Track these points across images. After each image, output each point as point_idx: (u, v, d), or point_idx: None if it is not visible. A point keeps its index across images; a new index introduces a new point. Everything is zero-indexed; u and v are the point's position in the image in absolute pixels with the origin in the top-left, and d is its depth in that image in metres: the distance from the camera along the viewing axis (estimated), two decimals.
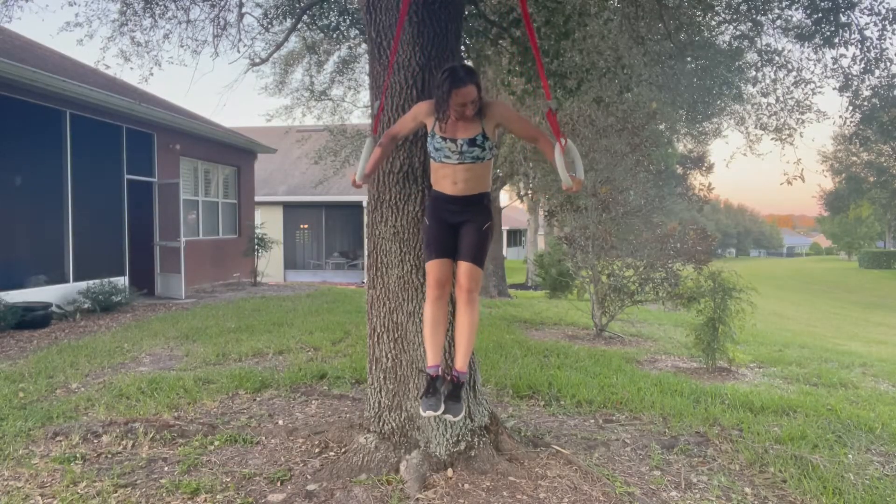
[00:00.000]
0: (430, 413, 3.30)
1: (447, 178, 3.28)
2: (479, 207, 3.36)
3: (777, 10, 6.69)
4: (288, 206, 22.90)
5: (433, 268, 3.36)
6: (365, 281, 4.23)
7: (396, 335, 3.82)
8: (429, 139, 3.29)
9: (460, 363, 3.40)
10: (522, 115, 3.50)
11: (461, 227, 3.36)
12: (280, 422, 4.72)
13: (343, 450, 3.96)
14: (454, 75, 3.09)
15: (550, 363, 6.88)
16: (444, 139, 3.18)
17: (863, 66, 6.18)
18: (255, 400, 5.30)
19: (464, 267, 3.33)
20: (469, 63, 12.54)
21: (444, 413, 3.33)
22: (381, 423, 3.83)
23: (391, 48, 3.70)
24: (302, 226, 23.59)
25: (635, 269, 9.44)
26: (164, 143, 13.00)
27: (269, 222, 21.73)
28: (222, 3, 7.46)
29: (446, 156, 3.22)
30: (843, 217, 58.24)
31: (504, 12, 5.63)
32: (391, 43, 3.82)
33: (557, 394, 5.59)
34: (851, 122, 7.07)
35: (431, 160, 3.36)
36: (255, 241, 16.02)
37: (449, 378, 3.43)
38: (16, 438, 4.20)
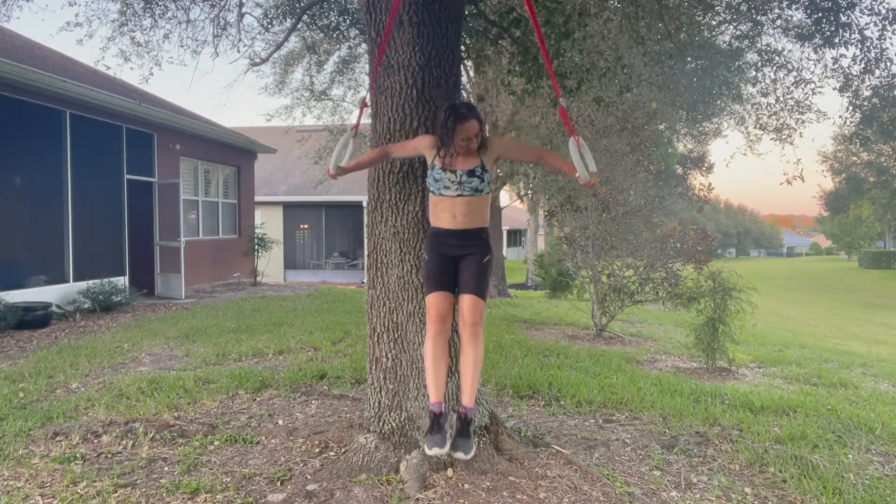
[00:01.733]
0: (436, 451, 3.26)
1: (446, 212, 3.26)
2: (479, 241, 3.32)
3: (777, 10, 6.69)
4: (288, 206, 22.89)
5: (434, 301, 3.31)
6: (365, 281, 4.23)
7: (396, 335, 3.82)
8: (428, 172, 3.29)
9: (467, 399, 3.34)
10: (521, 143, 3.47)
11: (461, 261, 3.32)
12: (280, 422, 4.71)
13: (343, 450, 3.96)
14: (457, 112, 3.20)
15: (550, 363, 6.88)
16: (444, 170, 3.19)
17: (863, 65, 6.18)
18: (255, 400, 5.30)
19: (466, 300, 3.28)
20: (469, 63, 12.56)
21: (453, 451, 3.28)
22: (381, 423, 3.83)
23: (379, 48, 3.74)
24: (302, 226, 23.60)
25: (635, 269, 9.44)
26: (165, 142, 13.00)
27: (269, 222, 21.73)
28: (222, 3, 7.46)
29: (445, 186, 3.19)
30: (843, 217, 58.24)
31: (504, 12, 5.62)
32: (392, 43, 3.82)
33: (557, 394, 5.59)
34: (851, 122, 7.07)
35: (430, 194, 3.34)
36: (255, 241, 16.01)
37: (456, 414, 3.38)
38: (16, 438, 4.20)
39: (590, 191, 3.56)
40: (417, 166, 3.74)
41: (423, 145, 3.40)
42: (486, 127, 16.66)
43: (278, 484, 3.56)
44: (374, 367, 3.91)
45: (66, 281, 10.31)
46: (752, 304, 7.45)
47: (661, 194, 11.11)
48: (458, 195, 3.19)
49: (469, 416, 3.34)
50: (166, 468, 3.78)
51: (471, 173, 3.16)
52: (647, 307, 11.93)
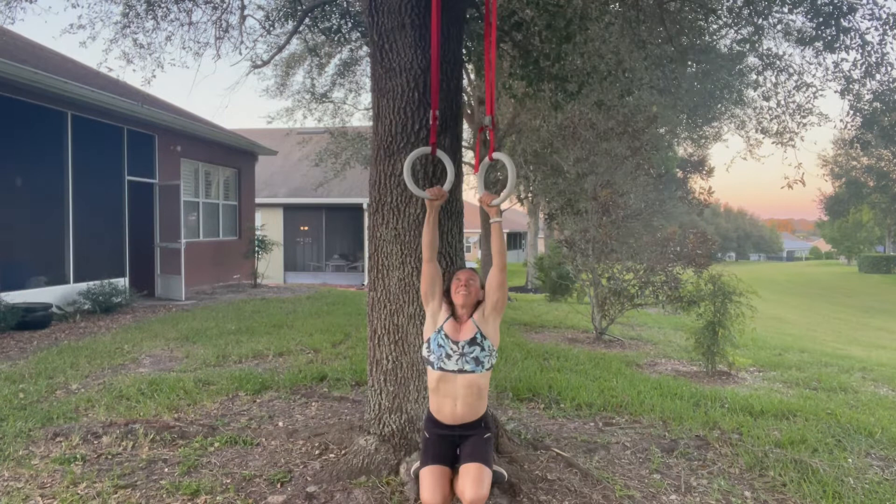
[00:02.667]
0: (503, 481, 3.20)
1: (447, 398, 3.05)
2: (479, 430, 3.09)
3: (778, 15, 6.70)
4: (288, 208, 22.89)
5: (425, 477, 2.99)
6: (366, 283, 4.22)
7: (397, 337, 3.82)
8: (433, 336, 3.12)
9: None
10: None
11: (461, 444, 3.09)
12: (280, 423, 4.72)
13: (343, 452, 3.96)
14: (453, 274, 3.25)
15: (550, 366, 6.88)
16: (448, 338, 3.08)
17: (864, 70, 6.19)
18: (255, 401, 5.30)
19: (470, 469, 2.92)
20: (470, 66, 12.56)
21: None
22: (381, 425, 3.83)
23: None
24: (302, 228, 23.59)
25: (635, 273, 9.44)
26: (166, 144, 13.01)
27: (269, 224, 21.73)
28: (224, 6, 7.47)
29: (447, 355, 3.04)
30: (843, 221, 58.29)
31: (505, 16, 5.63)
32: (393, 46, 3.83)
33: (557, 397, 5.59)
34: (852, 125, 7.07)
35: (429, 369, 3.11)
36: (256, 242, 16.01)
37: None
38: (16, 439, 4.20)
39: (486, 208, 3.39)
40: (419, 168, 3.75)
41: (441, 297, 3.25)
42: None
43: (278, 485, 3.56)
44: (374, 370, 3.92)
45: (67, 282, 10.32)
46: (752, 307, 7.45)
47: (661, 198, 11.14)
48: (460, 370, 3.03)
49: None
50: (166, 469, 3.78)
51: (472, 342, 3.05)
52: (647, 311, 11.94)
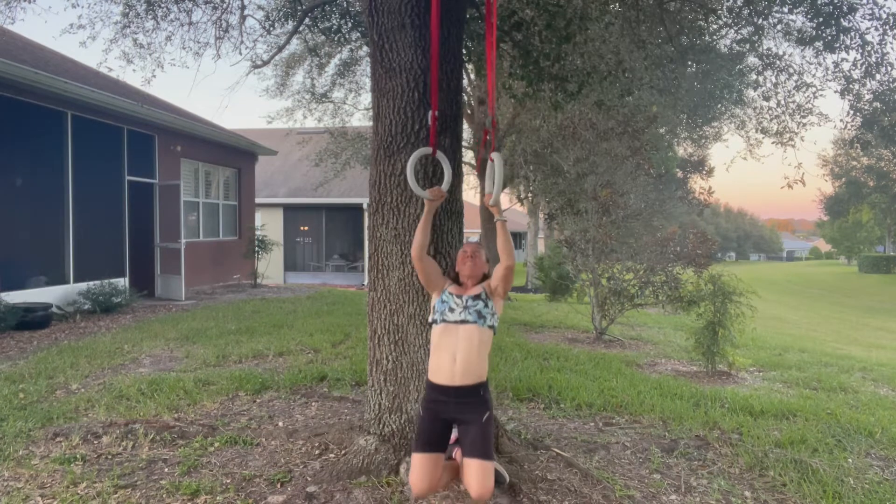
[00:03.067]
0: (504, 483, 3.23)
1: (447, 352, 3.06)
2: (477, 400, 3.08)
3: (778, 15, 6.70)
4: (288, 208, 22.89)
5: (416, 464, 3.01)
6: (366, 283, 4.23)
7: (397, 337, 3.82)
8: (438, 299, 3.20)
9: None
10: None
11: (459, 426, 3.11)
12: (280, 423, 4.72)
13: (343, 452, 3.96)
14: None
15: (550, 366, 6.88)
16: (452, 295, 3.17)
17: (864, 70, 6.19)
18: (255, 401, 5.30)
19: (473, 467, 2.95)
20: (470, 66, 12.56)
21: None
22: (381, 426, 3.83)
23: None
24: (302, 228, 23.59)
25: (635, 273, 9.44)
26: (166, 144, 13.01)
27: (269, 224, 21.73)
28: (224, 6, 7.47)
29: (450, 308, 3.12)
30: (842, 221, 58.30)
31: (505, 16, 5.63)
32: (393, 45, 3.83)
33: (557, 397, 5.59)
34: (852, 125, 7.07)
35: (433, 329, 3.17)
36: (256, 242, 16.02)
37: None
38: (16, 439, 4.20)
39: (491, 209, 3.44)
40: (419, 168, 3.75)
41: (444, 278, 3.34)
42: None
43: (278, 485, 3.56)
44: (374, 370, 3.92)
45: (67, 282, 10.32)
46: (752, 307, 7.45)
47: (661, 198, 11.13)
48: (462, 321, 3.08)
49: None
50: (166, 469, 3.78)
51: (476, 297, 3.14)
52: (647, 311, 11.94)
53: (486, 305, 3.14)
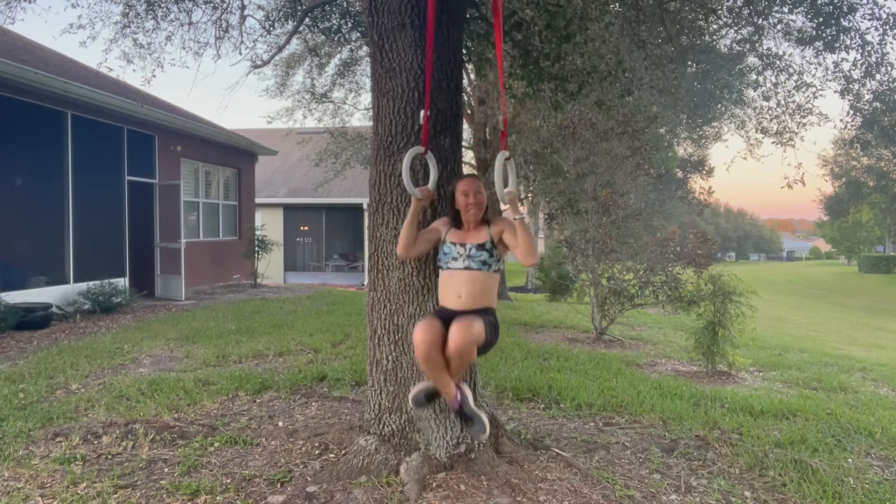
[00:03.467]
0: (483, 436, 3.31)
1: (452, 290, 3.17)
2: (482, 312, 3.20)
3: (778, 15, 6.70)
4: (288, 208, 22.90)
5: (419, 324, 3.14)
6: (366, 283, 4.24)
7: (397, 337, 3.82)
8: (440, 247, 3.28)
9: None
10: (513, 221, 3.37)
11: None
12: (280, 423, 4.72)
13: (343, 452, 3.96)
14: (455, 179, 3.42)
15: (550, 366, 6.88)
16: (454, 244, 3.20)
17: (864, 70, 6.19)
18: (255, 401, 5.30)
19: (458, 322, 3.03)
20: (470, 66, 12.56)
21: (470, 434, 3.35)
22: (381, 425, 3.83)
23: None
24: (302, 228, 23.59)
25: (635, 273, 9.44)
26: (166, 144, 13.02)
27: (269, 224, 21.73)
28: (224, 6, 7.47)
29: (453, 258, 3.17)
30: (842, 221, 58.31)
31: (505, 16, 5.63)
32: (393, 45, 3.83)
33: (557, 397, 5.59)
34: (852, 125, 7.06)
35: (439, 269, 3.31)
36: (256, 242, 16.03)
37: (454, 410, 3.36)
38: (16, 439, 4.20)
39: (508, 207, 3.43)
40: (419, 169, 3.75)
41: (439, 223, 3.44)
42: (487, 130, 16.55)
43: (278, 485, 3.56)
44: (374, 370, 3.92)
45: (67, 282, 10.32)
46: (752, 307, 7.45)
47: (661, 198, 11.13)
48: (466, 268, 3.13)
49: (461, 402, 3.27)
50: (166, 469, 3.78)
51: (480, 246, 3.16)
52: (647, 311, 11.94)
53: (492, 255, 3.19)
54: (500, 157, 3.36)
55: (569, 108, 8.25)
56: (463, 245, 3.16)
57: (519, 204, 3.35)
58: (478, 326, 3.03)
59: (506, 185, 3.29)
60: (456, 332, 2.98)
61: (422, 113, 3.63)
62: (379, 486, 3.49)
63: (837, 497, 3.61)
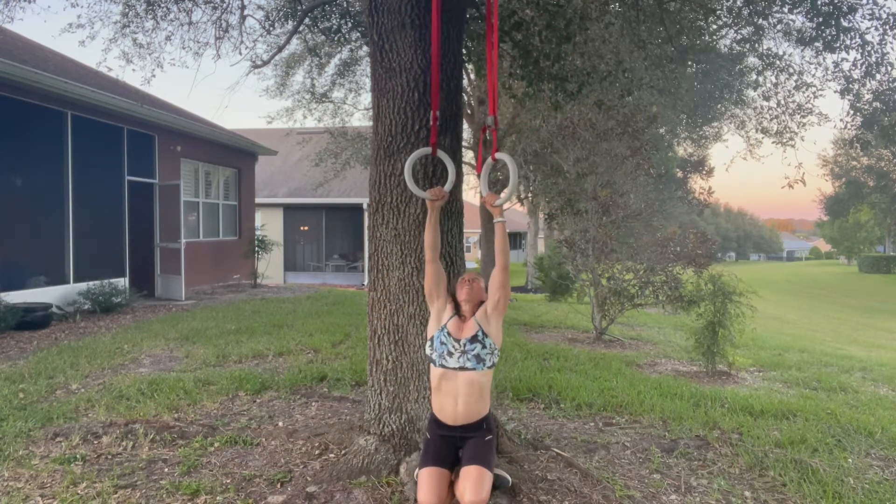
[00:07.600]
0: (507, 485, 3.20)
1: (449, 396, 3.05)
2: (481, 430, 3.09)
3: (778, 15, 6.70)
4: (288, 208, 22.89)
5: (423, 478, 2.98)
6: (366, 283, 4.23)
7: (397, 337, 3.82)
8: (436, 334, 3.15)
9: None
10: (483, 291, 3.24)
11: (462, 446, 3.09)
12: (280, 423, 4.72)
13: (343, 452, 3.96)
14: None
15: (550, 366, 6.88)
16: (450, 335, 3.10)
17: (864, 70, 6.19)
18: (255, 402, 5.30)
19: (470, 472, 2.90)
20: (470, 66, 12.56)
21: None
22: (381, 426, 3.83)
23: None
24: (302, 228, 23.59)
25: (635, 273, 9.44)
26: (165, 144, 13.01)
27: (269, 224, 21.73)
28: (224, 6, 7.47)
29: (448, 353, 3.06)
30: (842, 221, 58.28)
31: (505, 16, 5.63)
32: (393, 45, 3.83)
33: (557, 397, 5.59)
34: (852, 125, 7.06)
35: (432, 367, 3.13)
36: (256, 242, 16.01)
37: None
38: (16, 439, 4.20)
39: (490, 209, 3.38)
40: (419, 168, 3.75)
41: (447, 295, 3.28)
42: (487, 131, 16.69)
43: (278, 485, 3.56)
44: (374, 370, 3.92)
45: (67, 282, 10.31)
46: (752, 307, 7.45)
47: (661, 198, 11.15)
48: (461, 368, 3.04)
49: None
50: (166, 469, 3.78)
51: (472, 339, 3.07)
52: (647, 311, 11.94)
53: (485, 346, 3.07)
54: (486, 166, 3.40)
55: (569, 108, 8.26)
56: (458, 340, 3.07)
57: (501, 210, 3.28)
58: (489, 480, 2.95)
59: (496, 189, 3.30)
60: (470, 489, 2.86)
61: (430, 113, 3.61)
62: (379, 486, 3.49)
63: (837, 497, 3.61)
